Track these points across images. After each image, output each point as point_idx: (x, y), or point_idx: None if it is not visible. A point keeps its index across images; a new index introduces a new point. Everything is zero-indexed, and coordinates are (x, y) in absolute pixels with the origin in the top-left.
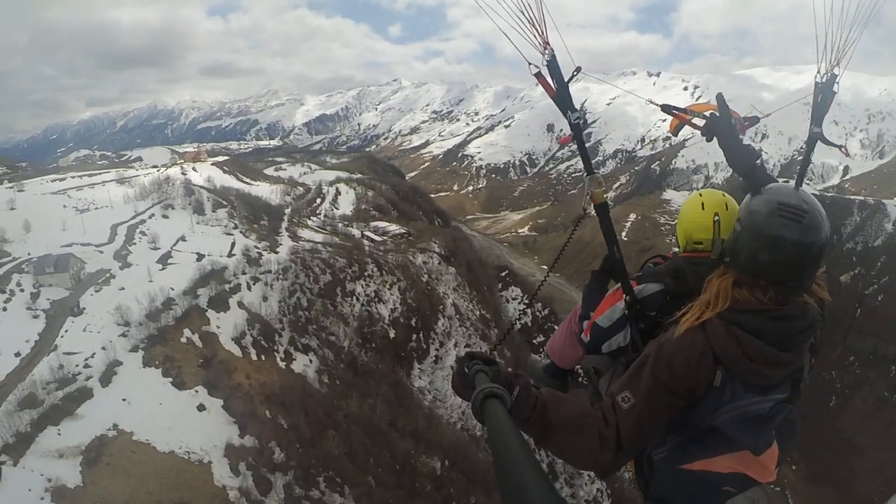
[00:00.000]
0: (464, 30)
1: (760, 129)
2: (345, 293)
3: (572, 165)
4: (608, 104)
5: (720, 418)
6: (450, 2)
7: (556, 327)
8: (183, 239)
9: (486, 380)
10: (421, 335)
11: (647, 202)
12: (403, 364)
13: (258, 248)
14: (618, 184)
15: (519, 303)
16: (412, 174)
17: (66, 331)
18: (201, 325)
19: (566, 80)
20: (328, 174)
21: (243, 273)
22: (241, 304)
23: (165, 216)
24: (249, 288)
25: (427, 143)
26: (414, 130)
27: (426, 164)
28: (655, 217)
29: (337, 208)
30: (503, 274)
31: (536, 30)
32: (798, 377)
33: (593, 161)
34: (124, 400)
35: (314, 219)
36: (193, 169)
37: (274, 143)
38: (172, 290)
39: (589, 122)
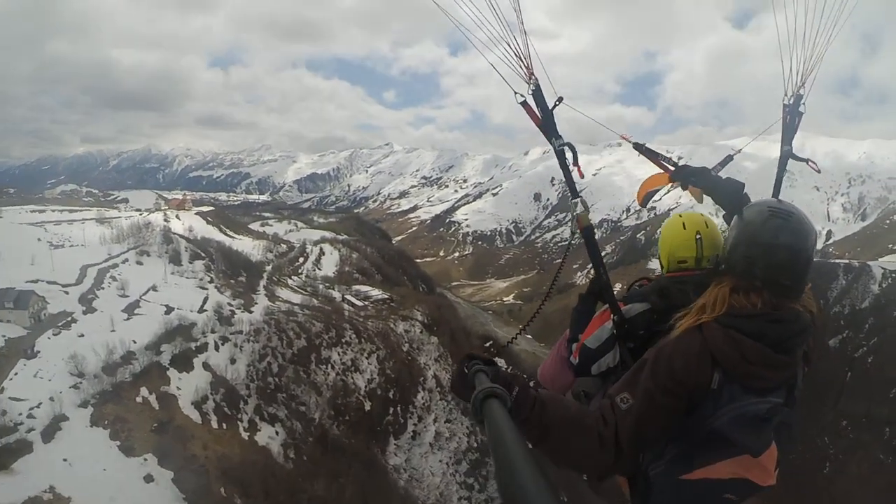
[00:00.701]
0: (456, 98)
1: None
2: (319, 360)
3: (558, 234)
4: (594, 174)
5: (719, 420)
6: (443, 71)
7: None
8: (154, 289)
9: (485, 380)
10: (399, 408)
11: (632, 271)
12: (379, 439)
13: (231, 305)
14: (604, 253)
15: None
16: (399, 237)
17: (16, 373)
18: (160, 384)
19: (550, 107)
20: (314, 233)
21: (213, 331)
22: (206, 365)
23: (140, 262)
24: (217, 348)
25: (415, 208)
26: (403, 194)
27: (413, 228)
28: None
29: (319, 269)
30: (487, 344)
31: (522, 62)
32: (792, 383)
33: (577, 231)
34: (65, 460)
35: (295, 278)
36: (177, 216)
37: (263, 197)
38: (135, 342)
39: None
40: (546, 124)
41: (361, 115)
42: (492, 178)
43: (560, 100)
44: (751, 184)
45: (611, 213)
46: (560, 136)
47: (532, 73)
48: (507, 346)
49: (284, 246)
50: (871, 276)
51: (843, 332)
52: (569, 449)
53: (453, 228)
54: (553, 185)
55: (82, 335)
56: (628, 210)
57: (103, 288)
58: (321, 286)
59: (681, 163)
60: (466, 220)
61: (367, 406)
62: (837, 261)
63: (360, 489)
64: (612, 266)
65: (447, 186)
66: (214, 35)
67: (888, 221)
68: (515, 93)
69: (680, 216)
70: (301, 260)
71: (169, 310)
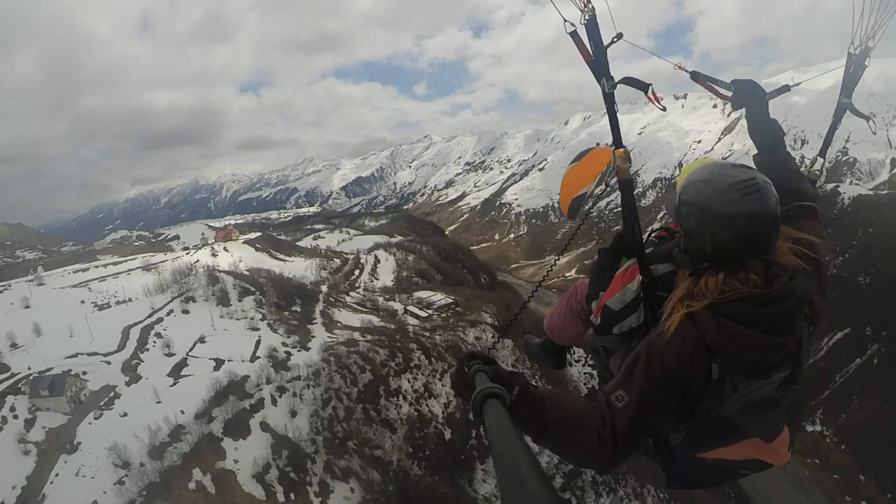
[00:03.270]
0: (487, 80)
1: (799, 134)
2: (389, 392)
3: (612, 201)
4: (639, 133)
5: (727, 410)
6: (470, 55)
7: None
8: (202, 340)
9: (485, 379)
10: (481, 429)
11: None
12: (464, 468)
13: (286, 345)
14: (662, 213)
15: (583, 364)
16: (451, 228)
17: (57, 474)
18: (215, 461)
19: (605, 44)
20: (367, 240)
21: (268, 382)
22: (264, 426)
23: (186, 311)
24: (275, 402)
25: (463, 195)
26: (449, 184)
27: (465, 216)
28: None
29: (377, 279)
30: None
31: None
32: (797, 351)
33: (634, 192)
34: None
35: (353, 294)
36: (224, 249)
37: (313, 209)
38: (182, 413)
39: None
40: (598, 61)
41: (397, 114)
42: (535, 154)
43: (619, 36)
44: (804, 117)
45: (663, 171)
46: (612, 77)
47: (589, 1)
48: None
49: (338, 260)
50: None
51: None
52: (568, 446)
53: (505, 210)
54: None
55: (125, 414)
56: (680, 165)
57: (147, 350)
58: (381, 299)
59: (731, 116)
60: (516, 199)
61: (448, 434)
62: None
63: None
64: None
65: (492, 169)
66: (240, 62)
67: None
68: (565, 21)
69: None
70: (357, 272)
71: (219, 364)
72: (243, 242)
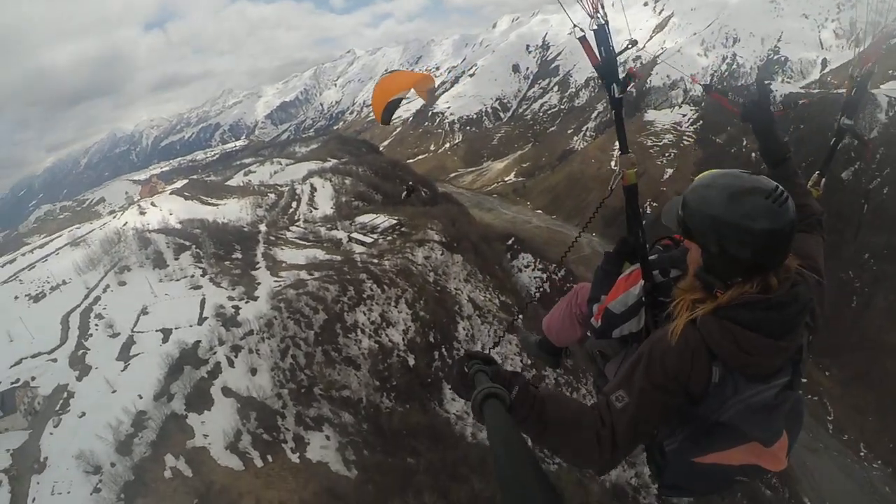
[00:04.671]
0: None
1: (731, 33)
2: (346, 329)
3: (545, 103)
4: (569, 33)
5: (727, 413)
6: None
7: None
8: (145, 312)
9: (485, 379)
10: (443, 349)
11: (629, 127)
12: (433, 391)
13: (233, 298)
14: (596, 112)
15: (532, 269)
16: (385, 143)
17: (34, 499)
18: (184, 441)
19: (617, 50)
20: (300, 168)
21: (220, 343)
22: (226, 391)
23: (122, 283)
24: (232, 363)
25: None
26: None
27: (397, 129)
28: (642, 140)
29: (315, 208)
30: (510, 242)
31: None
32: (797, 359)
33: (567, 93)
34: None
35: (293, 229)
36: (153, 204)
37: (240, 143)
38: (140, 397)
39: (553, 55)
40: (607, 66)
41: (315, 31)
42: (464, 60)
43: (634, 43)
44: (735, 16)
45: (594, 72)
46: (622, 82)
47: (600, 7)
48: (562, 259)
49: (273, 195)
50: (876, 105)
51: (855, 165)
52: (568, 446)
53: (438, 120)
54: (529, 52)
55: (83, 414)
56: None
57: (91, 335)
58: (322, 230)
59: (662, 13)
60: (449, 107)
61: (412, 361)
62: (839, 90)
63: (430, 461)
64: (608, 123)
65: None
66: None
67: (884, 47)
68: (575, 25)
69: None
70: (294, 205)
71: (166, 335)
72: (171, 194)
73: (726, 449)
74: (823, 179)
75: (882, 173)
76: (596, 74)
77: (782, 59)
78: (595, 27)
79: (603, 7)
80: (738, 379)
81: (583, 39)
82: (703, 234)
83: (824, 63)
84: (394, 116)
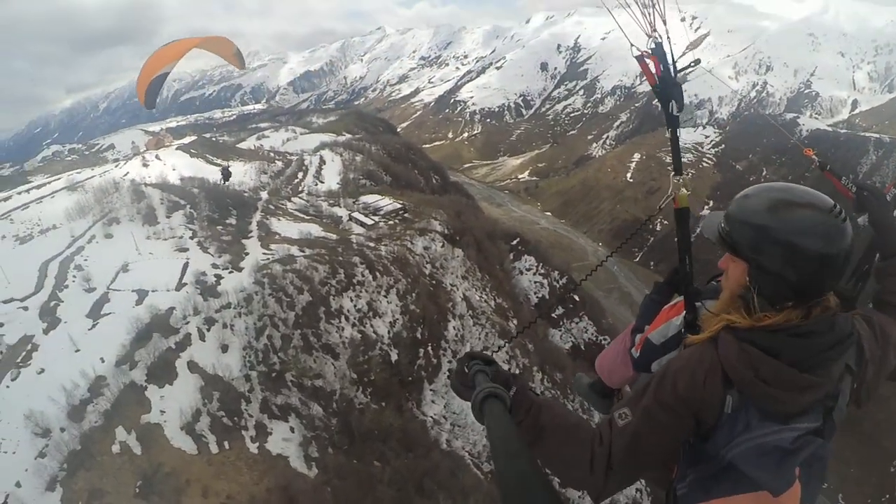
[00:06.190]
0: None
1: (765, 60)
2: (330, 315)
3: (569, 105)
4: (603, 38)
5: (733, 451)
6: None
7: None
8: (125, 269)
9: (485, 380)
10: (429, 347)
11: (650, 141)
12: (412, 391)
13: (217, 266)
14: (619, 122)
15: (534, 273)
16: (404, 125)
17: None
18: (139, 415)
19: (678, 69)
20: (313, 139)
21: (195, 313)
22: (192, 366)
23: (109, 235)
24: (203, 337)
25: (417, 91)
26: (402, 79)
27: (417, 112)
28: (661, 156)
29: (321, 181)
30: (514, 242)
31: (647, 10)
32: (831, 405)
33: (592, 98)
34: None
35: (295, 200)
36: (157, 157)
37: (259, 106)
38: (102, 361)
39: (583, 58)
40: (665, 85)
41: (348, 2)
42: (494, 51)
43: (697, 62)
44: (772, 44)
45: (623, 79)
46: (682, 100)
47: (658, 26)
48: (580, 284)
49: (280, 162)
50: None
51: None
52: (560, 459)
53: (459, 108)
54: (560, 52)
55: (42, 370)
56: (641, 74)
57: (66, 286)
58: (325, 205)
59: (698, 31)
60: (472, 97)
61: (394, 356)
62: (867, 134)
63: (396, 469)
64: (629, 134)
65: (448, 65)
66: None
67: None
68: (632, 45)
69: None
70: (300, 175)
71: (141, 296)
72: (177, 149)
73: (732, 495)
74: None
75: None
76: (652, 91)
77: (813, 93)
78: (653, 45)
79: (665, 23)
80: (752, 414)
81: (639, 58)
82: (754, 248)
83: (854, 104)
84: (416, 99)
